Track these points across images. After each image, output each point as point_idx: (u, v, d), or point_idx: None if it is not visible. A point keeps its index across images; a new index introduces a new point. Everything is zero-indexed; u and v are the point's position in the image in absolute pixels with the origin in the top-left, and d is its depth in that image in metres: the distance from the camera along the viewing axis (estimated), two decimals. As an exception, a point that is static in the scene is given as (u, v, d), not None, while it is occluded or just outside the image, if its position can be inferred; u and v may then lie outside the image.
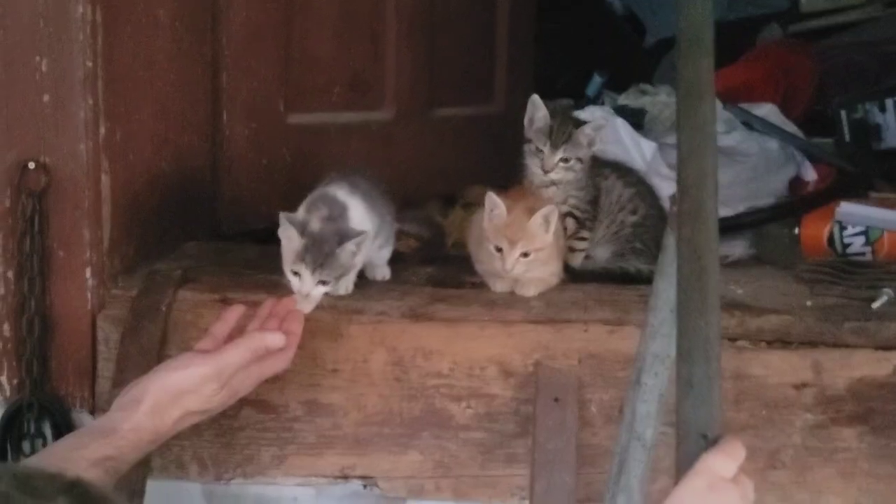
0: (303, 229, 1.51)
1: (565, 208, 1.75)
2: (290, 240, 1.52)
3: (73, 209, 1.64)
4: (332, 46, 2.26)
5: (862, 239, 2.19)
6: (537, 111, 1.76)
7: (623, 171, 1.83)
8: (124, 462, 1.33)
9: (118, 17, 1.68)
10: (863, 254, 2.17)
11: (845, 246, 2.19)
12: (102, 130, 1.66)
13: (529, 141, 1.76)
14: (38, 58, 1.61)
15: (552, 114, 1.76)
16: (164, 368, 1.42)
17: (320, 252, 1.50)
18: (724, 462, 1.02)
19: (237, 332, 1.49)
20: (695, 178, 1.16)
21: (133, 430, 1.35)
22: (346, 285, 1.65)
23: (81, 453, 1.29)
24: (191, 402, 1.40)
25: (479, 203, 2.58)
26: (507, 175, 2.70)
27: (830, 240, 2.21)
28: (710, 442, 1.01)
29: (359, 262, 1.59)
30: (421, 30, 2.48)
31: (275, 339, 1.45)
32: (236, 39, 2.05)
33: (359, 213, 1.61)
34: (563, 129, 1.73)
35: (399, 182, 2.38)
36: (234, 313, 1.52)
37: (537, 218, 1.63)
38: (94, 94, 1.63)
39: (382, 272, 1.74)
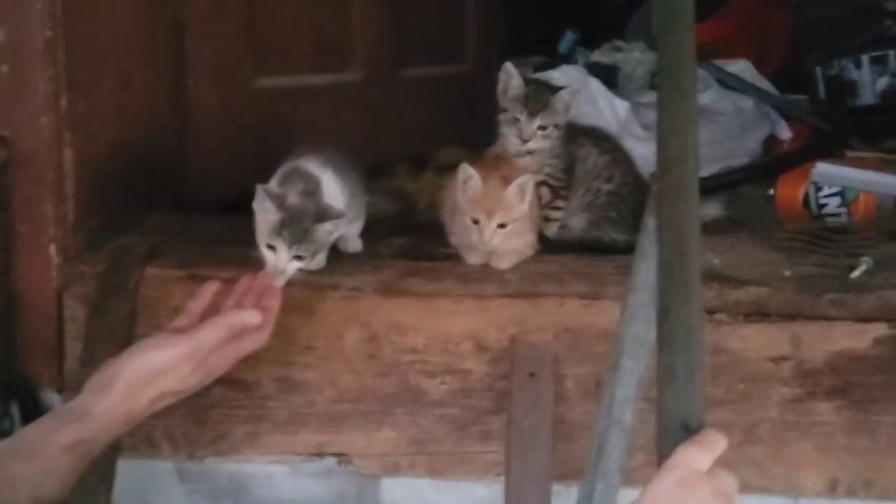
0: (280, 203, 1.48)
1: (540, 177, 1.72)
2: (266, 212, 1.48)
3: (36, 184, 1.60)
4: (299, 6, 2.22)
5: (838, 199, 2.17)
6: (511, 79, 1.72)
7: (598, 138, 1.80)
8: (97, 445, 1.30)
9: (77, -17, 1.63)
10: (838, 214, 2.16)
11: (821, 207, 2.18)
12: (64, 102, 1.60)
13: (505, 110, 1.72)
14: (-6, 27, 1.55)
15: (526, 81, 1.72)
16: (138, 349, 1.38)
17: (299, 227, 1.47)
18: (698, 454, 0.98)
19: (212, 310, 1.45)
20: (676, 156, 1.12)
21: (105, 412, 1.31)
22: (319, 260, 1.62)
23: (53, 438, 1.26)
24: (166, 382, 1.36)
25: (451, 165, 2.59)
26: (478, 134, 2.68)
27: (806, 200, 2.20)
28: (691, 433, 0.99)
29: (333, 239, 1.56)
30: (387, -11, 2.44)
31: (251, 315, 1.41)
32: (200, 3, 1.99)
33: (332, 188, 1.58)
34: (540, 97, 1.70)
35: (369, 144, 2.35)
36: (210, 289, 1.48)
37: (513, 188, 1.60)
38: (54, 64, 1.58)
39: (354, 244, 1.71)
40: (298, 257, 1.48)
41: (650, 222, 1.15)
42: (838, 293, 1.55)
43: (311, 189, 1.52)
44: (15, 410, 1.64)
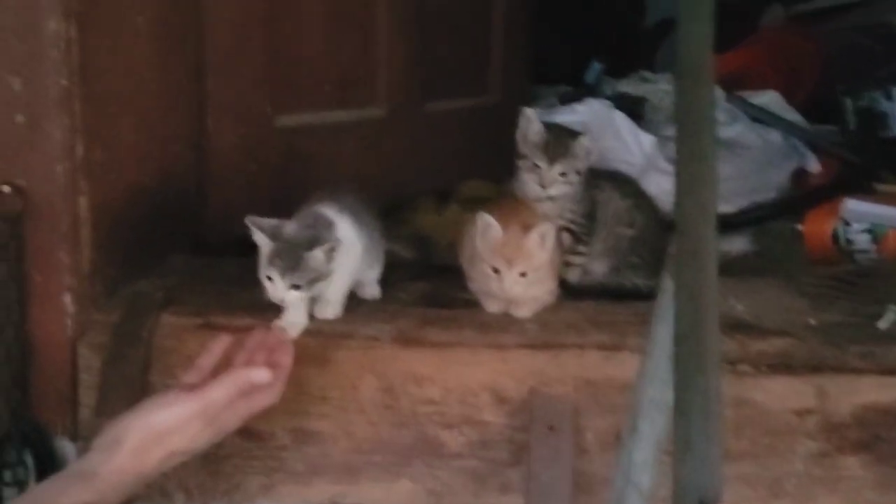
0: (273, 233, 1.50)
1: (561, 222, 1.69)
2: (262, 245, 1.51)
3: (51, 233, 1.59)
4: (320, 43, 2.20)
5: (867, 237, 2.14)
6: (531, 125, 1.70)
7: (620, 183, 1.77)
8: None
9: (95, 29, 1.61)
10: (868, 251, 2.13)
11: (850, 243, 2.15)
12: (80, 150, 1.59)
13: (524, 156, 1.69)
14: (9, 77, 1.54)
15: (547, 127, 1.69)
16: (147, 407, 1.36)
17: (290, 256, 1.48)
18: None
19: (224, 363, 1.44)
20: (693, 215, 1.09)
21: (114, 472, 1.29)
22: (334, 309, 1.61)
23: (59, 500, 1.24)
24: (175, 441, 1.34)
25: (475, 199, 2.57)
26: (503, 166, 2.66)
27: (835, 237, 2.16)
28: (708, 508, 0.96)
29: (335, 270, 1.52)
30: (413, 21, 2.42)
31: (260, 374, 1.39)
32: (221, 43, 1.98)
33: (348, 233, 1.57)
34: (560, 143, 1.68)
35: (392, 179, 2.34)
36: (220, 345, 1.46)
37: (534, 236, 1.58)
38: (70, 113, 1.57)
39: (372, 291, 1.69)
40: (296, 286, 1.48)
41: (668, 284, 1.12)
42: (865, 345, 1.51)
43: (320, 227, 1.52)
44: (29, 459, 1.63)
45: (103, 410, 1.56)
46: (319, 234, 1.51)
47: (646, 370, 1.16)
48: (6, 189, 1.56)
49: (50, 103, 1.55)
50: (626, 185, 1.78)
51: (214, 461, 1.59)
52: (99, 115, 1.64)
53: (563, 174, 1.67)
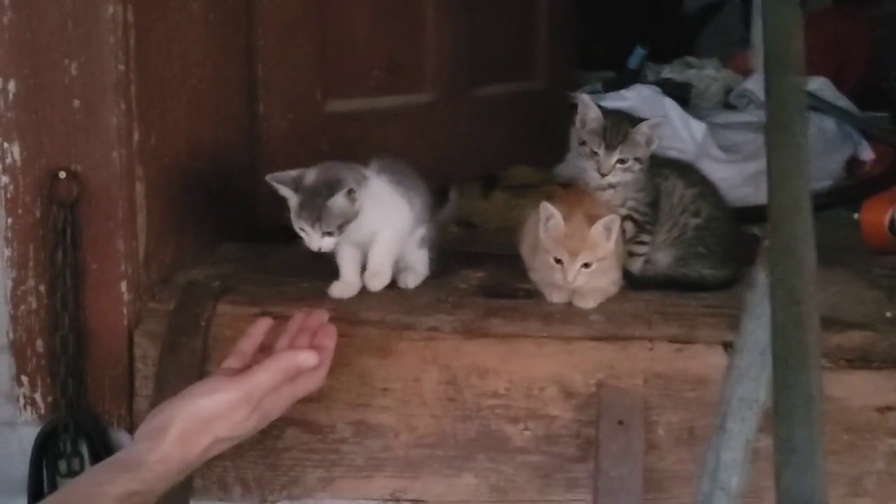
0: (296, 186, 1.53)
1: (624, 211, 1.65)
2: (289, 199, 1.54)
3: (107, 220, 1.56)
4: (369, 29, 2.18)
5: (925, 225, 2.09)
6: (589, 111, 1.66)
7: (684, 171, 1.72)
8: (152, 495, 1.24)
9: (150, 14, 1.59)
10: (926, 241, 2.07)
11: (907, 232, 2.10)
12: (136, 136, 1.56)
13: (583, 143, 1.65)
14: (67, 61, 1.51)
15: (605, 113, 1.65)
16: (190, 394, 1.32)
17: (314, 207, 1.51)
18: None
19: (266, 348, 1.41)
20: (788, 209, 1.05)
21: (159, 461, 1.25)
22: (382, 279, 1.62)
23: (106, 489, 1.20)
24: (220, 428, 1.30)
25: (521, 185, 2.54)
26: (548, 152, 2.62)
27: (892, 226, 2.11)
28: (815, 513, 0.92)
29: (361, 212, 1.54)
30: (459, 7, 2.39)
31: (307, 357, 1.35)
32: (271, 28, 1.96)
33: (381, 190, 1.59)
34: (619, 129, 1.63)
35: (439, 165, 2.30)
36: (261, 327, 1.43)
37: (598, 227, 1.54)
38: (126, 98, 1.53)
39: (414, 279, 1.66)
40: (328, 233, 1.52)
41: (760, 278, 1.08)
42: (946, 338, 1.46)
43: (340, 171, 1.54)
44: (84, 450, 1.61)
45: (160, 401, 1.52)
46: (338, 178, 1.52)
47: (735, 367, 1.12)
48: (62, 175, 1.53)
49: (106, 88, 1.52)
50: (690, 173, 1.73)
51: (273, 454, 1.56)
52: (154, 100, 1.62)
53: (622, 161, 1.63)
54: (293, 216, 1.53)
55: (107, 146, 1.54)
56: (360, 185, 1.54)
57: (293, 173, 1.54)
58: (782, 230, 1.05)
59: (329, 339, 1.41)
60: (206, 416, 1.29)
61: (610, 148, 1.63)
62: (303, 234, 1.53)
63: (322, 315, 1.45)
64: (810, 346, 0.98)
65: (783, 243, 1.04)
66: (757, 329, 1.09)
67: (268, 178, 1.54)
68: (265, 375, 1.33)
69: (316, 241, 1.52)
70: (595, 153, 1.64)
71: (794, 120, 1.10)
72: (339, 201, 1.51)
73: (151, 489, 1.24)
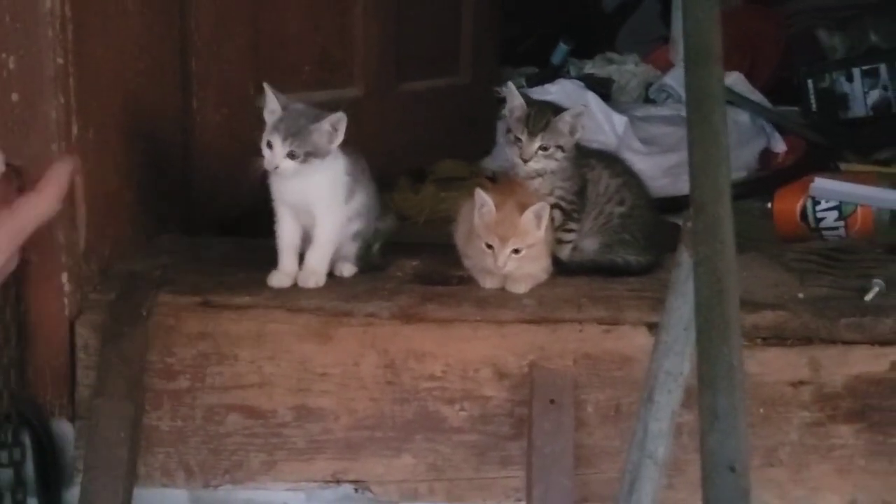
0: (285, 105, 1.58)
1: (552, 200, 1.72)
2: (271, 113, 1.58)
3: (47, 213, 1.57)
4: (302, 25, 2.21)
5: (835, 213, 2.19)
6: (514, 100, 1.72)
7: (609, 161, 1.80)
8: None
9: (87, 8, 1.60)
10: (836, 228, 2.18)
11: (818, 220, 2.20)
12: (75, 129, 1.58)
13: (509, 131, 1.71)
14: (4, 55, 1.52)
15: (529, 102, 1.72)
16: None
17: (295, 123, 1.56)
18: None
19: None
20: (710, 194, 1.12)
21: None
22: (318, 278, 1.65)
23: None
24: None
25: (449, 178, 2.59)
26: (474, 145, 2.69)
27: (804, 214, 2.21)
28: (738, 475, 0.99)
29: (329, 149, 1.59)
30: (387, 3, 2.43)
31: None
32: (205, 22, 1.98)
33: (335, 171, 1.63)
34: (541, 117, 1.70)
35: (370, 159, 2.35)
36: None
37: (528, 214, 1.60)
38: (65, 91, 1.55)
39: (350, 268, 1.71)
40: (292, 154, 1.55)
41: (684, 258, 1.15)
42: (854, 317, 1.55)
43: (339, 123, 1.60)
44: (26, 440, 1.62)
45: (102, 390, 1.56)
46: (328, 113, 1.59)
47: (661, 342, 1.19)
48: (1, 168, 1.54)
49: (45, 82, 1.54)
50: (616, 163, 1.80)
51: (216, 439, 1.60)
52: (92, 93, 1.63)
53: (543, 148, 1.69)
54: (267, 129, 1.57)
55: (46, 140, 1.55)
56: (339, 133, 1.59)
57: (286, 97, 1.60)
58: (705, 213, 1.12)
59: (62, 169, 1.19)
60: None
61: (532, 135, 1.69)
62: (266, 152, 1.56)
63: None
64: (732, 320, 1.05)
65: (706, 225, 1.11)
66: (682, 306, 1.15)
67: (265, 84, 1.60)
68: None
69: (279, 157, 1.55)
70: (518, 139, 1.70)
71: (715, 110, 1.17)
72: (322, 127, 1.56)
73: None
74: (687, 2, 1.27)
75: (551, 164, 1.70)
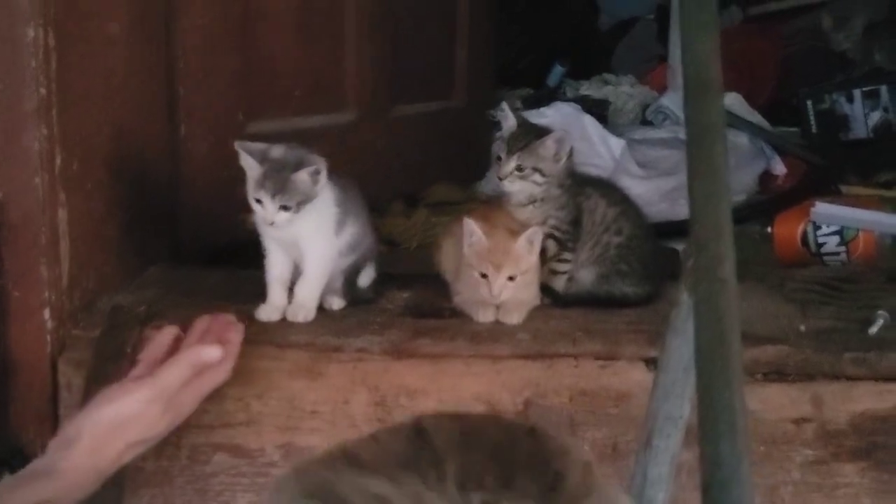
0: (262, 157, 1.53)
1: (545, 229, 1.68)
2: (251, 169, 1.53)
3: (30, 247, 1.54)
4: (292, 49, 2.18)
5: (836, 238, 2.15)
6: (506, 120, 1.69)
7: (606, 190, 1.76)
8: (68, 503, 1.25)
9: (71, 37, 1.57)
10: (837, 253, 2.14)
11: (819, 245, 2.16)
12: (58, 161, 1.55)
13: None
14: (-14, 86, 1.50)
15: (521, 123, 1.68)
16: (99, 401, 1.33)
17: (279, 176, 1.51)
18: None
19: (169, 356, 1.42)
20: (711, 231, 1.09)
21: (72, 469, 1.25)
22: (307, 313, 1.61)
23: (17, 497, 1.20)
24: (132, 432, 1.31)
25: (442, 202, 2.56)
26: (469, 169, 2.65)
27: (804, 239, 2.17)
28: (741, 528, 0.95)
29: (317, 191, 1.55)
30: (381, 27, 2.40)
31: (211, 352, 1.39)
32: (193, 48, 1.94)
33: (327, 197, 1.59)
34: (522, 137, 1.66)
35: (362, 184, 2.32)
36: (167, 335, 1.45)
37: (522, 241, 1.57)
38: (48, 122, 1.52)
39: (339, 301, 1.67)
40: (285, 207, 1.52)
41: (684, 297, 1.11)
42: (858, 351, 1.51)
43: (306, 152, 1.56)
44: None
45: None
46: (308, 156, 1.54)
47: (660, 384, 1.15)
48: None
49: (27, 113, 1.51)
50: (612, 191, 1.76)
51: (202, 479, 1.55)
52: (76, 123, 1.60)
53: (519, 168, 1.64)
54: (252, 186, 1.53)
55: (28, 172, 1.52)
56: (323, 171, 1.55)
57: (261, 145, 1.55)
58: (706, 251, 1.08)
59: (235, 335, 1.45)
60: (116, 420, 1.30)
61: (510, 153, 1.65)
62: (258, 207, 1.53)
63: (227, 317, 1.48)
64: (734, 363, 1.01)
65: (706, 264, 1.07)
66: (681, 346, 1.12)
67: (236, 144, 1.54)
68: (172, 372, 1.35)
69: (272, 213, 1.52)
70: (499, 158, 1.67)
71: (715, 144, 1.14)
72: (303, 177, 1.52)
73: (65, 497, 1.24)
74: (686, 34, 1.24)
75: (529, 188, 1.65)
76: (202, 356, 1.37)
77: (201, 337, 1.43)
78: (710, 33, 1.19)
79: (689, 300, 1.09)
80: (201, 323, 1.46)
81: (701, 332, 1.04)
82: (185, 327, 1.47)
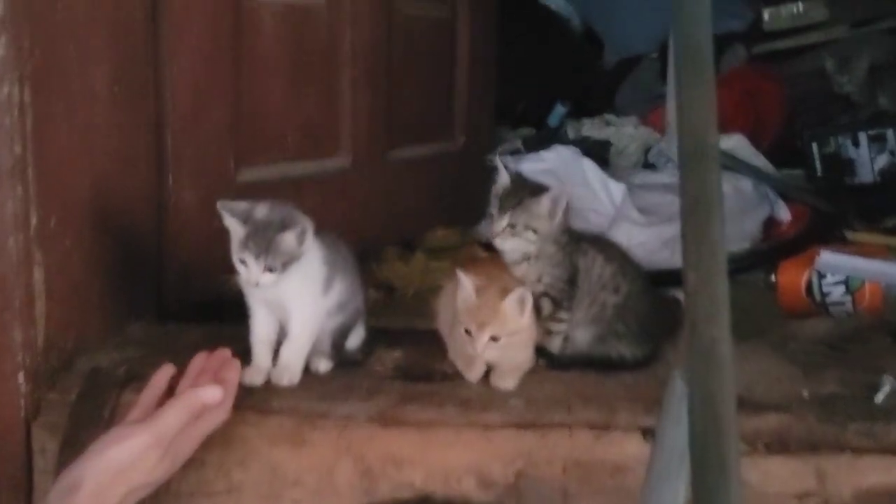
0: (245, 217, 1.50)
1: (540, 287, 1.62)
2: (234, 229, 1.51)
3: (3, 310, 1.48)
4: (284, 95, 2.13)
5: (842, 288, 2.10)
6: (500, 176, 1.65)
7: (603, 246, 1.70)
8: None
9: (49, 93, 1.52)
10: (843, 303, 2.09)
11: (824, 295, 2.11)
12: (34, 220, 1.50)
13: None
14: (-40, 144, 1.45)
15: (513, 179, 1.63)
16: (99, 447, 1.29)
17: (264, 237, 1.48)
18: None
19: (167, 396, 1.39)
20: (705, 312, 1.03)
21: None
22: (292, 376, 1.56)
23: None
24: (134, 477, 1.29)
25: (440, 248, 2.51)
26: (467, 213, 2.60)
27: (809, 289, 2.12)
28: None
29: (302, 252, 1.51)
30: (377, 72, 2.36)
31: (212, 393, 1.37)
32: (181, 97, 1.89)
33: (314, 255, 1.55)
34: (516, 194, 1.62)
35: (357, 230, 2.27)
36: (163, 377, 1.43)
37: (511, 302, 1.52)
38: (23, 182, 1.47)
39: (326, 363, 1.62)
40: (269, 269, 1.48)
41: (679, 385, 1.05)
42: (864, 422, 1.45)
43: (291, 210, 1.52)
44: (-20, 550, 1.53)
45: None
46: (290, 216, 1.50)
47: (654, 469, 1.09)
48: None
49: (2, 173, 1.46)
50: (609, 248, 1.70)
51: (182, 550, 1.49)
52: (54, 180, 1.55)
53: (512, 226, 1.60)
54: (236, 247, 1.50)
55: (2, 233, 1.47)
56: (308, 231, 1.51)
57: (244, 204, 1.51)
58: (700, 335, 1.02)
59: (232, 372, 1.43)
60: (117, 466, 1.27)
61: (502, 211, 1.61)
62: (242, 269, 1.50)
63: (223, 353, 1.47)
64: (729, 459, 0.95)
65: (701, 348, 1.01)
66: (675, 434, 1.05)
67: (218, 204, 1.50)
68: (172, 415, 1.32)
69: (256, 274, 1.48)
70: (492, 215, 1.62)
71: (711, 217, 1.08)
72: (288, 238, 1.48)
73: None
74: (685, 102, 1.18)
75: (522, 245, 1.61)
76: (202, 399, 1.36)
77: (198, 376, 1.42)
78: (708, 103, 1.14)
79: (684, 387, 1.03)
80: (197, 361, 1.45)
81: (695, 423, 0.98)
82: (181, 369, 1.46)
